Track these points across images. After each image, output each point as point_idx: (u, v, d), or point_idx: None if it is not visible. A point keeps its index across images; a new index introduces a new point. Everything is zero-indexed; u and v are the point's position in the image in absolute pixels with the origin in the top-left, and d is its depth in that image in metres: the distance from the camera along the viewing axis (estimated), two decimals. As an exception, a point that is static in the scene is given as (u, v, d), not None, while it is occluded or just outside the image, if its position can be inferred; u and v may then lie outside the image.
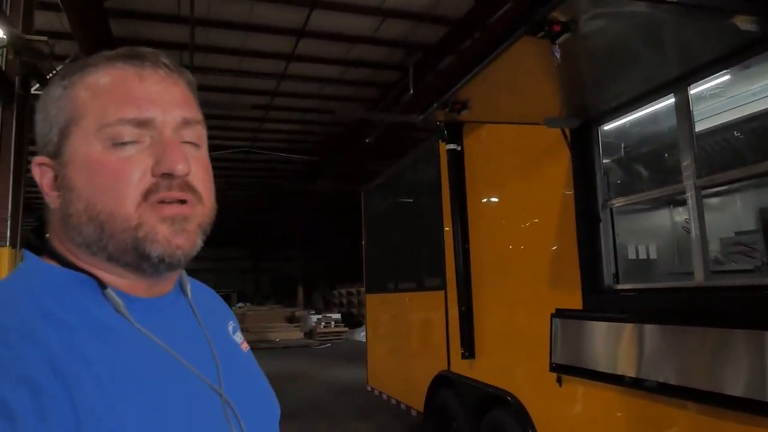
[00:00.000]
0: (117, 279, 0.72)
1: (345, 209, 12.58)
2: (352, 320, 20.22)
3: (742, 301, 2.28)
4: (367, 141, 11.99)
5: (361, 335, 12.97)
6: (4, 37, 5.45)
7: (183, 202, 0.71)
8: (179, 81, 0.78)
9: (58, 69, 0.74)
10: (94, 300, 0.69)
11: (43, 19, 7.55)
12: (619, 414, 2.88)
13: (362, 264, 7.62)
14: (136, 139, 0.70)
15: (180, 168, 0.70)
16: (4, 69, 5.63)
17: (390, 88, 11.10)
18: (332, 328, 19.04)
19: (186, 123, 0.75)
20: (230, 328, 0.91)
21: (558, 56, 1.99)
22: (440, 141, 4.62)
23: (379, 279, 7.08)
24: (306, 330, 19.10)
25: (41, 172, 0.73)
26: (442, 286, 4.83)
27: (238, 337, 0.91)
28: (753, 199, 4.04)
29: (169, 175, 0.70)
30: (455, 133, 4.39)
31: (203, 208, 0.75)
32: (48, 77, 7.07)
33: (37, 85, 6.54)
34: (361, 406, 7.84)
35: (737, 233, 3.80)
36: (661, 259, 3.75)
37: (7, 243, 5.32)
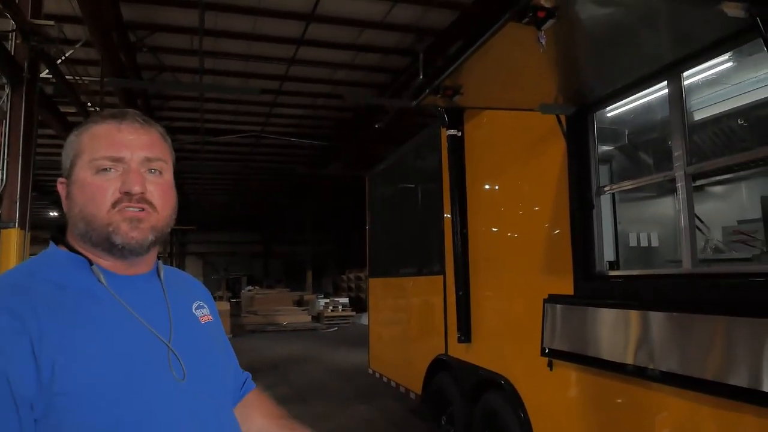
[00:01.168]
0: (103, 261, 1.09)
1: (355, 194, 12.61)
2: (360, 304, 20.37)
3: (726, 289, 2.29)
4: (377, 126, 11.99)
5: (367, 319, 13.08)
6: (13, 22, 5.51)
7: (142, 210, 1.08)
8: (149, 130, 1.14)
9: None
10: (84, 273, 1.06)
11: (53, 3, 7.63)
12: (607, 398, 2.91)
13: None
14: (113, 168, 1.07)
15: (135, 189, 1.07)
16: (12, 53, 5.69)
17: (400, 74, 11.06)
18: (339, 311, 19.21)
19: (148, 160, 1.11)
20: (194, 306, 1.25)
21: (543, 43, 1.99)
22: (442, 127, 4.63)
23: (382, 264, 7.14)
24: (313, 314, 19.27)
25: (61, 188, 1.12)
26: (442, 271, 4.86)
27: (200, 313, 1.25)
28: (757, 187, 4.02)
29: (128, 193, 1.07)
30: (456, 118, 4.39)
31: (158, 215, 1.11)
32: (57, 61, 7.16)
33: (46, 69, 6.62)
34: (363, 389, 7.94)
35: (739, 222, 3.78)
36: (662, 247, 3.75)
37: (17, 224, 5.42)
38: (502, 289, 4.05)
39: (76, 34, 8.31)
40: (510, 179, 4.01)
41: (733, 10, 2.01)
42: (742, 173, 3.93)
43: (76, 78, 8.59)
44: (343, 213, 24.97)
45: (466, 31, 8.53)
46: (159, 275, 1.18)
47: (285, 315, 18.60)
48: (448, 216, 4.63)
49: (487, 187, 4.32)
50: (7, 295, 0.96)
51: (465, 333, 4.28)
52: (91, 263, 1.06)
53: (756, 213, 3.65)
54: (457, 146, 4.43)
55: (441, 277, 4.86)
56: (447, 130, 4.42)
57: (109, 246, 1.06)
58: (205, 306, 1.27)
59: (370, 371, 7.03)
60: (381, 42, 9.85)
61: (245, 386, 1.41)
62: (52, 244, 1.12)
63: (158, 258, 1.21)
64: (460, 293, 4.31)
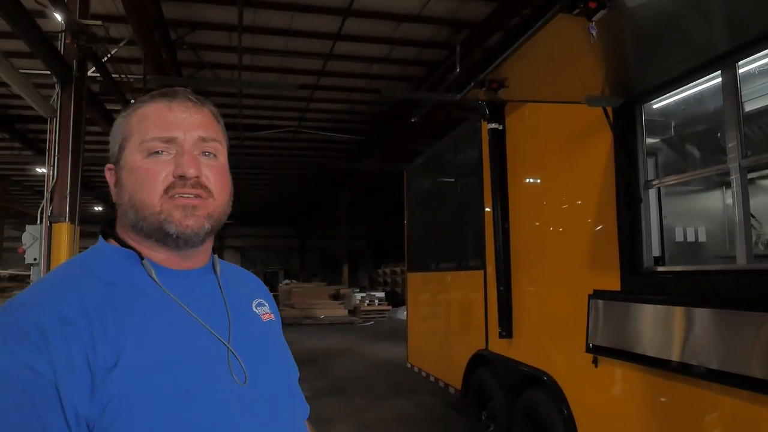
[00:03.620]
0: (155, 254, 1.00)
1: (391, 188, 12.63)
2: (396, 299, 20.41)
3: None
4: (413, 120, 11.96)
5: (403, 314, 13.10)
6: (63, 22, 5.68)
7: (197, 196, 0.98)
8: (202, 109, 1.04)
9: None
10: (135, 268, 0.97)
11: (98, 3, 7.83)
12: (654, 397, 2.86)
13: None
14: (164, 150, 0.98)
15: (190, 172, 0.97)
16: (62, 53, 5.87)
17: (436, 67, 11.00)
18: (376, 306, 19.28)
19: (202, 140, 1.01)
20: (254, 303, 1.15)
21: (594, 34, 1.96)
22: (482, 120, 4.59)
23: (421, 258, 7.13)
24: (350, 307, 19.39)
25: (110, 176, 1.03)
26: (482, 266, 4.84)
27: (261, 310, 1.15)
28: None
29: (182, 177, 0.97)
30: (497, 112, 4.35)
31: (214, 201, 1.01)
32: (103, 60, 7.36)
33: (93, 67, 6.81)
34: (401, 383, 7.96)
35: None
36: (710, 242, 3.65)
37: (66, 218, 5.60)
38: (544, 285, 4.01)
39: (120, 33, 8.52)
40: (553, 173, 3.95)
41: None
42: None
43: (121, 76, 8.82)
44: (378, 207, 25.00)
45: (504, 23, 8.42)
46: (215, 270, 1.09)
47: (322, 308, 18.77)
48: (489, 210, 4.60)
49: (529, 181, 4.27)
50: (58, 296, 0.87)
51: (506, 328, 4.25)
52: (141, 257, 0.98)
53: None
54: (498, 140, 4.39)
55: (481, 272, 4.84)
56: (488, 123, 4.38)
57: (163, 236, 0.97)
58: (266, 303, 1.17)
59: (409, 366, 7.04)
60: (417, 35, 9.81)
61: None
62: (101, 238, 1.03)
63: (213, 252, 1.11)
64: (502, 288, 4.28)
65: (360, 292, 21.05)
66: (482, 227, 4.84)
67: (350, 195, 23.27)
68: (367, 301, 19.44)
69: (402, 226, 7.81)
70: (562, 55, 2.44)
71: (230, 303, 1.05)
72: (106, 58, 7.63)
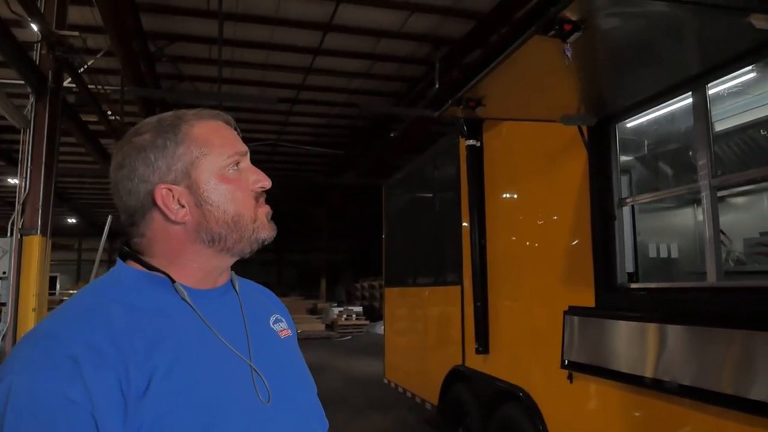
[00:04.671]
0: (188, 275, 1.00)
1: (370, 202, 12.64)
2: (374, 313, 20.33)
3: (753, 303, 2.27)
4: (392, 135, 12.02)
5: (380, 328, 13.05)
6: (39, 32, 5.61)
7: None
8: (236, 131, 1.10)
9: (154, 125, 0.90)
10: (163, 291, 0.96)
11: (76, 13, 7.76)
12: (629, 413, 2.88)
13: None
14: (240, 165, 1.03)
15: (268, 183, 1.06)
16: (37, 63, 5.79)
17: (416, 83, 11.11)
18: (353, 320, 19.18)
19: (247, 153, 1.07)
20: (272, 320, 1.15)
21: (569, 55, 2.00)
22: (460, 136, 4.63)
23: (398, 273, 7.13)
24: (327, 322, 19.27)
25: (167, 195, 0.97)
26: (459, 282, 4.85)
27: (278, 327, 1.15)
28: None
29: (262, 188, 1.04)
30: (475, 129, 4.39)
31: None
32: (80, 71, 7.27)
33: (69, 78, 6.73)
34: (378, 398, 7.91)
35: (761, 233, 3.74)
36: (682, 259, 3.72)
37: (38, 231, 5.49)
38: (521, 301, 4.03)
39: (98, 43, 8.45)
40: (529, 189, 4.00)
41: (761, 22, 1.99)
42: (764, 184, 3.89)
43: (98, 87, 8.72)
44: (357, 222, 25.00)
45: (483, 40, 8.55)
46: (234, 287, 1.10)
47: (299, 323, 18.59)
48: (466, 226, 4.63)
49: (506, 197, 4.31)
50: (84, 322, 0.87)
51: (483, 344, 4.25)
52: (173, 281, 0.97)
53: (779, 225, 3.61)
54: (476, 156, 4.43)
55: (458, 287, 4.85)
56: (466, 140, 4.42)
57: (252, 244, 1.02)
58: (283, 319, 1.19)
59: (386, 381, 7.01)
60: (397, 51, 9.91)
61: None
62: (119, 261, 1.01)
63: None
64: (478, 304, 4.29)
65: (338, 306, 20.93)
66: (459, 242, 4.86)
67: (329, 209, 23.24)
68: (345, 316, 19.34)
69: (381, 240, 7.82)
70: (538, 75, 2.47)
71: (249, 321, 1.06)
72: (82, 69, 7.55)
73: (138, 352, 0.85)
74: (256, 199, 1.03)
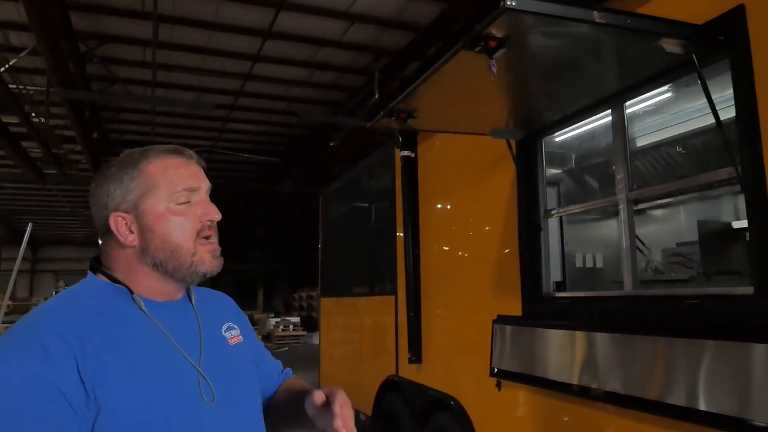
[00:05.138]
0: (144, 290, 1.14)
1: (308, 212, 12.57)
2: (311, 324, 20.12)
3: (664, 311, 2.39)
4: (331, 144, 12.00)
5: (317, 339, 12.94)
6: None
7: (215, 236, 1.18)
8: (200, 166, 1.23)
9: (121, 159, 0.99)
10: (123, 301, 1.11)
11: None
12: (554, 418, 2.96)
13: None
14: (189, 199, 1.16)
15: (218, 216, 1.19)
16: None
17: (356, 92, 11.14)
18: (291, 331, 18.95)
19: (209, 189, 1.22)
20: (224, 327, 1.29)
21: (495, 71, 2.05)
22: (395, 147, 4.68)
23: (334, 283, 7.10)
24: (264, 333, 18.93)
25: (120, 222, 1.13)
26: (394, 291, 4.87)
27: (229, 334, 1.29)
28: (694, 211, 4.21)
29: (211, 220, 1.18)
30: (409, 140, 4.45)
31: (217, 239, 1.20)
32: (1, 69, 6.89)
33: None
34: (314, 410, 7.80)
35: (678, 244, 3.94)
36: (607, 268, 3.87)
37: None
38: (452, 310, 4.09)
39: (22, 41, 8.04)
40: (462, 201, 4.07)
41: (671, 47, 2.12)
42: (681, 198, 4.12)
43: (20, 87, 8.29)
44: (295, 231, 24.74)
45: (422, 53, 8.68)
46: (191, 299, 1.24)
47: (234, 334, 18.17)
48: (401, 236, 4.66)
49: (439, 207, 4.38)
50: (54, 318, 1.03)
51: (416, 353, 4.29)
52: (131, 292, 1.12)
53: (693, 236, 3.83)
54: (411, 167, 4.48)
55: (393, 297, 4.87)
56: (401, 151, 4.47)
57: (192, 275, 1.15)
58: (236, 326, 1.31)
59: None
60: (337, 60, 9.92)
61: (284, 374, 1.52)
62: (90, 273, 1.17)
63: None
64: (412, 313, 4.32)
65: (275, 317, 20.61)
66: (394, 252, 4.89)
67: (267, 218, 22.90)
68: (282, 327, 19.07)
69: (318, 250, 7.77)
70: (467, 89, 2.53)
71: (204, 329, 1.20)
72: (4, 68, 7.16)
73: (98, 346, 1.00)
74: (202, 234, 1.15)
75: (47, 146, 11.00)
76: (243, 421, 1.18)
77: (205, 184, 1.20)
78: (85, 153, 12.37)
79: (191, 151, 1.23)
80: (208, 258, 1.16)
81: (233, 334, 1.29)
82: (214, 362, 1.16)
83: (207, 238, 1.17)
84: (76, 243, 33.68)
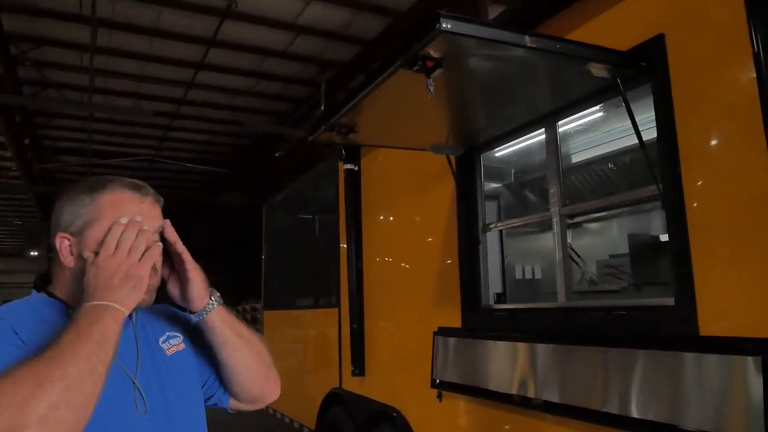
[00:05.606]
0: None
1: (253, 223, 12.40)
2: (257, 336, 19.73)
3: (593, 321, 2.49)
4: (276, 155, 11.90)
5: (263, 352, 12.71)
6: None
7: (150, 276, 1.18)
8: (157, 204, 1.27)
9: (86, 183, 1.11)
10: (63, 315, 1.15)
11: None
12: (494, 429, 3.03)
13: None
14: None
15: (158, 258, 1.21)
16: None
17: (301, 103, 11.10)
18: (235, 344, 18.52)
19: (158, 229, 1.24)
20: (161, 339, 1.31)
21: (432, 90, 2.10)
22: (339, 160, 4.70)
23: (278, 295, 7.02)
24: (207, 346, 18.46)
25: (64, 243, 1.18)
26: (337, 304, 4.87)
27: (167, 345, 1.31)
28: (625, 224, 4.39)
29: None
30: (353, 153, 4.48)
31: (156, 277, 1.23)
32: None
33: None
34: (256, 426, 7.68)
35: (611, 256, 4.10)
36: (545, 280, 3.99)
37: None
38: (395, 322, 4.12)
39: (-53, 43, 7.65)
40: (404, 214, 4.13)
41: (598, 71, 2.23)
42: (614, 211, 4.29)
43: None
44: (239, 242, 24.30)
45: (367, 66, 8.76)
46: (131, 317, 1.23)
47: (175, 347, 17.67)
48: (344, 248, 4.67)
49: (382, 220, 4.42)
50: (11, 307, 1.16)
51: (359, 366, 4.29)
52: (69, 307, 1.16)
53: (624, 249, 4.00)
54: (354, 180, 4.51)
55: (336, 309, 4.87)
56: (344, 163, 4.49)
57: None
58: (177, 334, 1.34)
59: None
60: (283, 71, 9.87)
61: None
62: (33, 291, 1.23)
63: None
64: (355, 326, 4.33)
65: (218, 329, 20.11)
66: (338, 265, 4.90)
67: (209, 229, 22.40)
68: (226, 339, 18.63)
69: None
70: (406, 106, 2.58)
71: (141, 343, 1.23)
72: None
73: (39, 347, 1.01)
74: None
75: (-26, 153, 10.45)
76: (179, 430, 1.21)
77: (152, 224, 1.22)
78: (15, 160, 11.82)
79: (150, 189, 1.26)
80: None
81: (173, 343, 1.32)
82: (150, 374, 1.20)
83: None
84: (3, 254, 32.05)
